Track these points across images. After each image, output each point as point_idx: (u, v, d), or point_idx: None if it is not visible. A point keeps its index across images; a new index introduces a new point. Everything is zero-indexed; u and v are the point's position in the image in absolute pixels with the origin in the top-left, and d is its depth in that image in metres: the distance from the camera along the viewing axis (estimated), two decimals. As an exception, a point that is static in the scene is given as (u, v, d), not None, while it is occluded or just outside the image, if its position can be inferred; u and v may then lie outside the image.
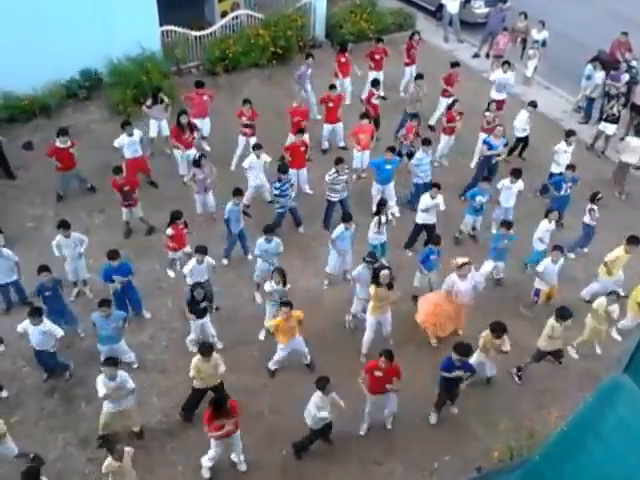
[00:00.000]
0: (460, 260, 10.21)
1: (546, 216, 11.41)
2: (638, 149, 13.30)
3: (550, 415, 9.46)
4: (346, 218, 11.07)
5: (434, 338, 10.71)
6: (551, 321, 9.74)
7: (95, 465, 8.86)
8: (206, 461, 8.81)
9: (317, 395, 8.48)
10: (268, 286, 10.01)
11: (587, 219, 11.96)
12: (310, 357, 10.19)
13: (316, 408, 8.50)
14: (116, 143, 12.54)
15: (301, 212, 12.69)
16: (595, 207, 11.82)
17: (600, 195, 11.89)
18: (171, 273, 11.55)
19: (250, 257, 11.77)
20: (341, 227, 10.97)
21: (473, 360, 9.77)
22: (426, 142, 12.71)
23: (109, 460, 7.80)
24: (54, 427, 9.33)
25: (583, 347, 10.75)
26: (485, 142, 13.24)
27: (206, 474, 8.86)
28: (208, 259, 10.37)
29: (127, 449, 7.94)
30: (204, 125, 13.99)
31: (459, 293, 10.24)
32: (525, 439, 8.65)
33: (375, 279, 9.79)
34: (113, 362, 8.52)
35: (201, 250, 10.21)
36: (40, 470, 7.63)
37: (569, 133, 13.25)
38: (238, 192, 11.30)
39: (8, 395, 9.67)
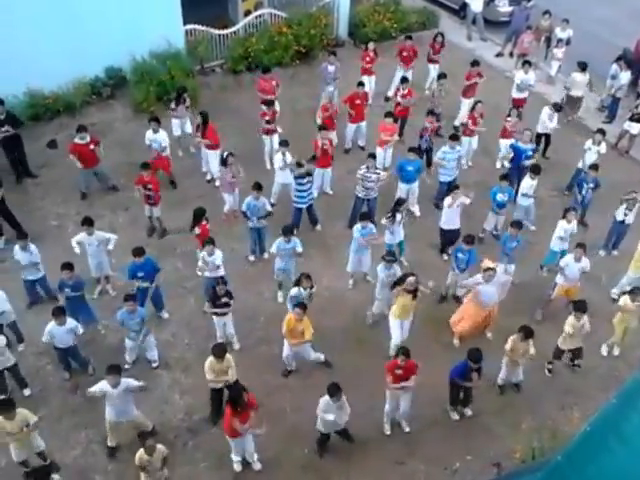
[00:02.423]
0: (485, 265, 10.15)
1: (564, 216, 11.26)
2: (582, 83, 15.15)
3: (573, 416, 9.42)
4: (363, 217, 11.05)
5: (457, 338, 10.66)
6: (570, 318, 9.73)
7: (117, 462, 8.99)
8: (234, 456, 8.97)
9: (325, 399, 8.49)
10: (295, 291, 9.97)
11: (617, 214, 11.83)
12: (323, 356, 10.14)
13: (321, 411, 8.55)
14: (147, 140, 12.65)
15: (323, 212, 12.69)
16: (625, 204, 11.67)
17: (634, 195, 11.65)
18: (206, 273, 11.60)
19: (266, 256, 11.77)
20: (358, 226, 10.96)
21: (503, 365, 9.77)
22: (453, 137, 12.64)
23: (140, 452, 7.90)
24: (77, 424, 9.43)
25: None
26: (512, 147, 13.02)
27: (237, 467, 8.99)
28: (218, 252, 10.42)
29: (159, 447, 8.02)
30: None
31: (480, 294, 10.18)
32: (548, 439, 8.60)
33: (400, 285, 9.74)
34: (116, 370, 8.47)
35: (210, 242, 10.31)
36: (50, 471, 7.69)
37: (597, 131, 13.09)
38: (258, 186, 11.30)
39: (32, 392, 9.80)
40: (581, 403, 9.78)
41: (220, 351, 8.81)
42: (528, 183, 12.08)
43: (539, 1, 18.68)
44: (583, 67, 15.15)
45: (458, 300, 11.15)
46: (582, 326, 9.70)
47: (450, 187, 11.72)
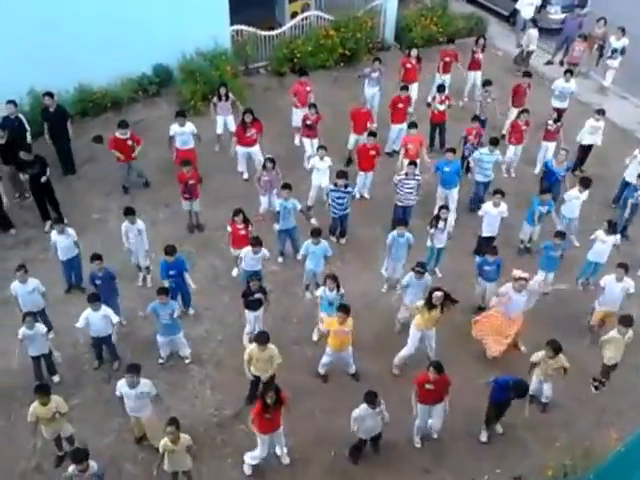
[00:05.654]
0: (518, 274, 9.97)
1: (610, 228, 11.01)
2: (535, 37, 17.32)
3: (609, 435, 9.14)
4: (399, 223, 10.96)
5: (490, 350, 10.46)
6: (612, 332, 9.50)
7: (148, 452, 9.07)
8: (249, 458, 8.90)
9: (363, 407, 8.44)
10: (320, 292, 10.00)
11: None
12: (355, 367, 10.06)
13: (355, 418, 8.51)
14: (171, 131, 12.88)
15: (360, 216, 12.60)
16: None
17: None
18: (234, 271, 11.64)
19: (299, 257, 11.64)
20: (394, 233, 10.89)
21: (532, 382, 9.55)
22: (493, 142, 12.52)
23: (165, 440, 7.99)
24: (110, 412, 9.53)
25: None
26: (546, 165, 12.88)
27: (248, 471, 8.95)
28: (264, 251, 10.53)
29: (184, 436, 8.07)
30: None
31: (510, 303, 9.99)
32: (581, 458, 8.38)
33: (428, 300, 9.57)
34: (136, 370, 8.53)
35: (257, 242, 10.40)
36: (88, 453, 7.82)
37: None
38: (286, 187, 11.32)
39: (67, 380, 9.98)
40: (618, 423, 9.51)
41: (262, 339, 8.86)
42: (574, 195, 11.81)
43: (593, 8, 18.26)
44: (535, 23, 17.51)
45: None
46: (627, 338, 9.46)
47: (441, 208, 11.36)
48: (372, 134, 12.73)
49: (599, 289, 10.52)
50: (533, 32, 17.20)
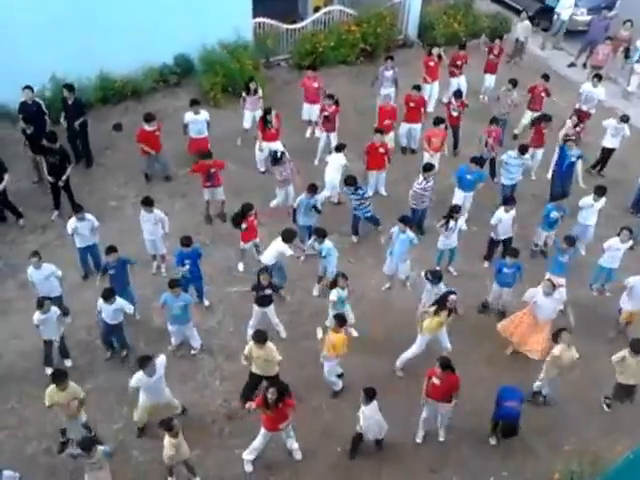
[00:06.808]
0: (548, 276, 9.93)
1: (619, 234, 10.90)
2: (526, 29, 17.46)
3: (618, 443, 9.08)
4: (403, 220, 10.83)
5: (510, 348, 10.42)
6: (624, 352, 9.29)
7: (155, 441, 9.08)
8: (246, 454, 8.92)
9: (374, 404, 8.48)
10: (334, 294, 9.97)
11: None
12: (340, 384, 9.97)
13: (365, 416, 8.55)
14: (185, 120, 12.98)
15: (376, 214, 12.58)
16: None
17: None
18: (240, 266, 11.66)
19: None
20: (396, 228, 10.85)
21: (540, 377, 9.54)
22: (522, 149, 12.45)
23: (167, 438, 8.05)
24: (121, 400, 9.61)
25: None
26: (560, 148, 12.81)
27: (249, 468, 8.95)
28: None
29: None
30: (312, 111, 14.20)
31: (537, 306, 9.91)
32: (588, 464, 8.34)
33: (442, 303, 9.51)
34: (149, 360, 8.58)
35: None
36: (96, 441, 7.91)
37: None
38: (312, 188, 11.34)
39: (80, 365, 10.08)
40: (627, 431, 9.45)
41: (260, 337, 8.86)
42: (588, 202, 11.70)
43: (621, 11, 18.00)
44: (528, 14, 17.68)
45: (503, 315, 10.88)
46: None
47: (452, 208, 11.28)
48: (379, 131, 12.67)
49: (626, 288, 10.38)
50: (526, 23, 17.31)
